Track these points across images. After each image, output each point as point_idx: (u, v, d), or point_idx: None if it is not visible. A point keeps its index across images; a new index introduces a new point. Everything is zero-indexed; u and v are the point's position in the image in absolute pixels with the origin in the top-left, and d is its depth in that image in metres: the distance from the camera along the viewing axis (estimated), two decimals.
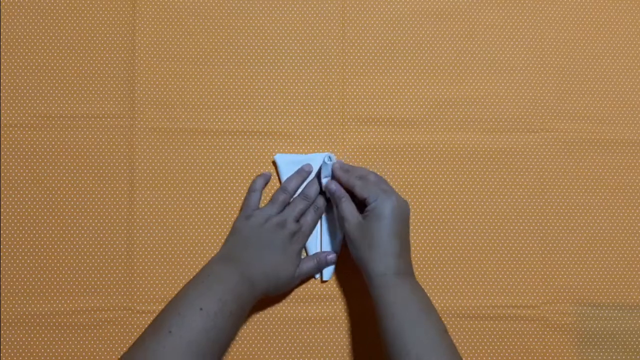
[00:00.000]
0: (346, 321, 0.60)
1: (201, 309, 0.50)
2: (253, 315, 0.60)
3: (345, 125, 0.63)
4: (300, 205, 0.59)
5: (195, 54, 0.63)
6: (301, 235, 0.59)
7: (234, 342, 0.59)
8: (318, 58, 0.64)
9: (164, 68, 0.62)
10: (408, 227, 0.55)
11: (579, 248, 0.63)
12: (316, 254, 0.60)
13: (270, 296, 0.58)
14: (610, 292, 0.62)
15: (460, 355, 0.49)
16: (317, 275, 0.60)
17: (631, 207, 0.64)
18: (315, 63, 0.64)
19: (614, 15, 0.66)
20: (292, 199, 0.60)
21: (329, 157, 0.60)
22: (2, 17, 0.62)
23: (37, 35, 0.62)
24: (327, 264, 0.60)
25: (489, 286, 0.62)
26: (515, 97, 0.64)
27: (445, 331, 0.50)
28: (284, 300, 0.60)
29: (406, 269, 0.54)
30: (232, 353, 0.59)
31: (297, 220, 0.59)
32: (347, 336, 0.60)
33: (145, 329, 0.50)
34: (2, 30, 0.62)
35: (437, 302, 0.61)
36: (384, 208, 0.53)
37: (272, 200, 0.60)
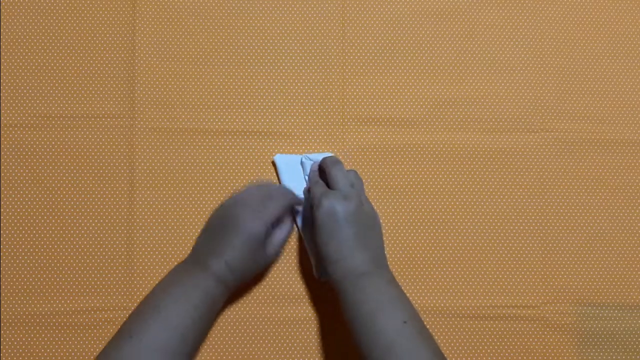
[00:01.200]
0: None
1: (159, 308, 0.49)
2: (252, 315, 0.60)
3: (345, 125, 0.63)
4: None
5: (195, 54, 0.63)
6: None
7: (234, 342, 0.59)
8: (318, 58, 0.64)
9: (164, 68, 0.62)
10: (358, 224, 0.52)
11: (579, 248, 0.63)
12: (287, 217, 0.58)
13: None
14: (610, 292, 0.62)
15: (434, 339, 0.49)
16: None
17: (631, 207, 0.64)
18: (315, 63, 0.64)
19: (614, 15, 0.66)
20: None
21: (307, 157, 0.60)
22: (2, 17, 0.62)
23: (37, 35, 0.62)
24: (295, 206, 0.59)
25: (489, 286, 0.62)
26: (515, 97, 0.64)
27: (414, 317, 0.49)
28: (283, 301, 0.60)
29: (365, 266, 0.51)
30: (231, 353, 0.59)
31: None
32: (346, 336, 0.60)
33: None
34: (2, 30, 0.62)
35: (437, 302, 0.61)
36: (318, 216, 0.52)
37: None
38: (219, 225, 0.54)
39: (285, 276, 0.61)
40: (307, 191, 0.59)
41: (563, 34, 0.66)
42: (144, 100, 0.62)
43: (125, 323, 0.50)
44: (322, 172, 0.57)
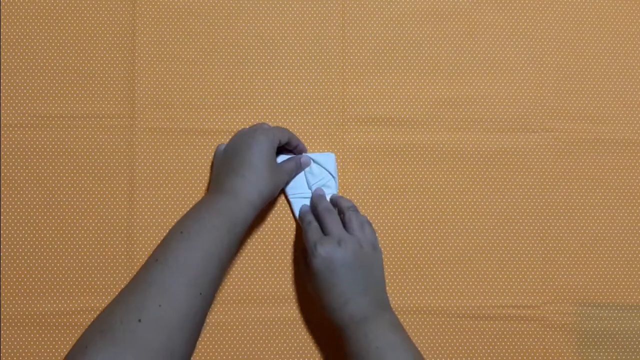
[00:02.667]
0: None
1: (182, 232, 0.49)
2: (253, 315, 0.60)
3: (345, 125, 0.63)
4: None
5: (195, 54, 0.63)
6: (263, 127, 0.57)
7: (234, 342, 0.59)
8: (318, 58, 0.64)
9: (164, 68, 0.62)
10: (358, 268, 0.52)
11: (579, 248, 0.63)
12: (293, 156, 0.60)
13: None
14: (610, 292, 0.62)
15: None
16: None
17: (631, 207, 0.64)
18: (315, 63, 0.64)
19: (614, 15, 0.66)
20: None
21: (308, 156, 0.61)
22: (2, 17, 0.62)
23: (37, 35, 0.62)
24: (302, 165, 0.60)
25: (489, 286, 0.62)
26: (515, 97, 0.64)
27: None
28: (284, 301, 0.60)
29: (368, 310, 0.51)
30: (231, 353, 0.59)
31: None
32: None
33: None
34: (2, 30, 0.62)
35: (437, 302, 0.61)
36: (314, 265, 0.52)
37: None
38: (232, 153, 0.55)
39: (285, 276, 0.61)
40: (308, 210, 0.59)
41: (563, 34, 0.66)
42: (144, 100, 0.62)
43: (153, 251, 0.49)
44: (315, 209, 0.58)
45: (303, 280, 0.59)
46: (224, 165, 0.56)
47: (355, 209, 0.57)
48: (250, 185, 0.53)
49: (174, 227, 0.51)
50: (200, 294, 0.46)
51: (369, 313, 0.51)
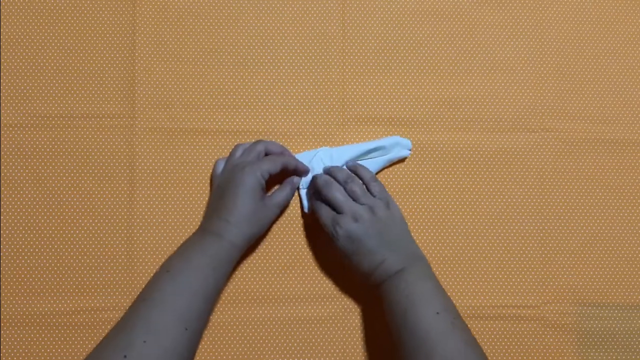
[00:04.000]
0: (346, 321, 0.60)
1: (168, 271, 0.52)
2: (253, 315, 0.60)
3: (345, 125, 0.63)
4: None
5: (195, 54, 0.63)
6: (247, 163, 0.57)
7: (234, 342, 0.59)
8: (318, 58, 0.64)
9: (164, 68, 0.62)
10: (379, 232, 0.54)
11: (579, 248, 0.63)
12: (287, 180, 0.60)
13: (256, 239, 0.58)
14: (610, 292, 0.62)
15: (468, 329, 0.50)
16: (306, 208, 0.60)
17: (631, 207, 0.64)
18: (315, 63, 0.64)
19: (614, 15, 0.66)
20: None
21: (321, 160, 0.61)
22: (2, 17, 0.62)
23: (37, 35, 0.62)
24: (295, 184, 0.60)
25: (489, 286, 0.62)
26: (515, 97, 0.64)
27: (446, 309, 0.51)
28: (284, 301, 0.60)
29: (398, 265, 0.53)
30: (231, 353, 0.59)
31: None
32: (346, 336, 0.60)
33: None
34: (2, 30, 0.62)
35: None
36: (337, 243, 0.55)
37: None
38: (220, 192, 0.56)
39: (285, 276, 0.61)
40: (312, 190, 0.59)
41: (563, 34, 0.66)
42: (144, 100, 0.62)
43: (141, 291, 0.51)
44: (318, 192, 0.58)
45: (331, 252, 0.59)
46: (213, 203, 0.57)
47: (352, 179, 0.57)
48: (234, 229, 0.54)
49: (161, 267, 0.53)
50: (186, 329, 0.48)
51: (400, 266, 0.53)
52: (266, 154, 0.58)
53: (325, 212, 0.56)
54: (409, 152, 0.62)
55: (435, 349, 0.47)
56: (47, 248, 0.60)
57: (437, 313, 0.50)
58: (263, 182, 0.56)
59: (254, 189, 0.55)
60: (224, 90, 0.63)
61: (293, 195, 0.60)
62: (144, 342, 0.46)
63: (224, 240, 0.54)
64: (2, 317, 0.59)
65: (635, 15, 0.66)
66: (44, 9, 0.62)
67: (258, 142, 0.59)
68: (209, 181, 0.61)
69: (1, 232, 0.60)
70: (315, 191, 0.58)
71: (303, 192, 0.60)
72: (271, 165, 0.56)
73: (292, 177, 0.60)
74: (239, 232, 0.54)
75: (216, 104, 0.62)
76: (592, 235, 0.63)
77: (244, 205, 0.54)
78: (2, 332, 0.58)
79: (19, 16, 0.62)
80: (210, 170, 0.61)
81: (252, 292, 0.60)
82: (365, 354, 0.60)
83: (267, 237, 0.61)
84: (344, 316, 0.60)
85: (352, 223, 0.54)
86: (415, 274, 0.53)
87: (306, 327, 0.60)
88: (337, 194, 0.56)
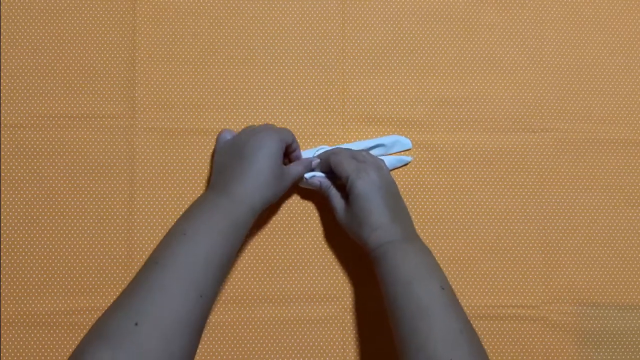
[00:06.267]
0: (346, 321, 0.60)
1: (184, 234, 0.49)
2: (253, 315, 0.60)
3: (345, 125, 0.63)
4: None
5: (195, 54, 0.63)
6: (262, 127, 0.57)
7: (234, 342, 0.59)
8: (318, 58, 0.64)
9: (164, 68, 0.62)
10: (393, 195, 0.56)
11: (579, 248, 0.63)
12: (303, 159, 0.60)
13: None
14: (610, 292, 0.62)
15: (464, 311, 0.50)
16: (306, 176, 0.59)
17: (631, 207, 0.64)
18: (315, 63, 0.64)
19: (614, 15, 0.66)
20: None
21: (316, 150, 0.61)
22: (2, 17, 0.62)
23: (37, 35, 0.62)
24: (311, 166, 0.59)
25: (489, 286, 0.62)
26: (515, 97, 0.64)
27: (448, 286, 0.51)
28: (284, 301, 0.60)
29: (403, 234, 0.54)
30: (231, 353, 0.59)
31: None
32: (347, 336, 0.60)
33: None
34: (2, 30, 0.62)
35: None
36: (359, 186, 0.54)
37: None
38: (237, 153, 0.55)
39: (285, 276, 0.61)
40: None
41: (563, 34, 0.66)
42: (144, 100, 0.62)
43: (152, 252, 0.49)
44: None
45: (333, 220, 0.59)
46: (229, 165, 0.55)
47: (355, 153, 0.58)
48: (254, 190, 0.53)
49: (174, 227, 0.51)
50: (201, 296, 0.46)
51: (406, 234, 0.54)
52: None
53: (347, 162, 0.56)
54: (411, 158, 0.62)
55: (439, 321, 0.47)
56: (47, 248, 0.60)
57: (442, 288, 0.50)
58: (283, 147, 0.56)
59: (276, 153, 0.54)
60: (224, 90, 0.63)
61: (304, 173, 0.59)
62: (157, 309, 0.43)
63: (243, 202, 0.52)
64: (2, 317, 0.59)
65: (635, 15, 0.66)
66: (44, 9, 0.62)
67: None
68: (209, 174, 0.61)
69: (1, 232, 0.60)
70: (323, 166, 0.59)
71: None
72: (287, 136, 0.57)
73: (308, 157, 0.60)
74: (258, 195, 0.53)
75: (216, 104, 0.62)
76: (592, 235, 0.63)
77: (268, 166, 0.53)
78: (2, 332, 0.58)
79: (19, 16, 0.62)
80: (210, 170, 0.61)
81: (252, 292, 0.60)
82: (365, 354, 0.60)
83: (267, 237, 0.61)
84: (344, 316, 0.60)
85: (376, 170, 0.55)
86: (420, 245, 0.54)
87: (306, 327, 0.60)
88: (351, 158, 0.56)
